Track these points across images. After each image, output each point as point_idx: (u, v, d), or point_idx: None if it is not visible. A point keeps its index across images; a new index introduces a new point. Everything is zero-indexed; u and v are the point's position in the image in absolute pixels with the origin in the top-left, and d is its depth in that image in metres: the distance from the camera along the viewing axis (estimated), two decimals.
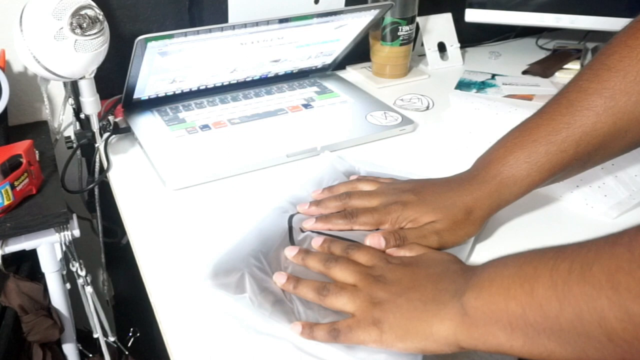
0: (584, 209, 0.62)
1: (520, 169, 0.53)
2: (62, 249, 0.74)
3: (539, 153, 0.53)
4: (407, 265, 0.48)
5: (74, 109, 0.87)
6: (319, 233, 0.55)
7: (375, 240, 0.52)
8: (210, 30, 0.70)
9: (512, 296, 0.37)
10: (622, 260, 0.32)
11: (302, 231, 0.56)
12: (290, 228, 0.57)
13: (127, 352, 0.96)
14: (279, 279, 0.49)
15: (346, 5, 0.98)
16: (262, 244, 0.54)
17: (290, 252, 0.52)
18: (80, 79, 0.68)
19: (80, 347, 0.88)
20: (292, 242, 0.55)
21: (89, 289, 0.81)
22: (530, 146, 0.53)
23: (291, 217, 0.58)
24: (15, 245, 0.71)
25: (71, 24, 0.61)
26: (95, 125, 0.73)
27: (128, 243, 0.63)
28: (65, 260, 0.78)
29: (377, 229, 0.55)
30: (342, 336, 0.44)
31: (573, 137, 0.52)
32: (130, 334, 0.98)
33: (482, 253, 0.56)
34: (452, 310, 0.41)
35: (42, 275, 0.77)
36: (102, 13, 0.64)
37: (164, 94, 0.83)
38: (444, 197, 0.55)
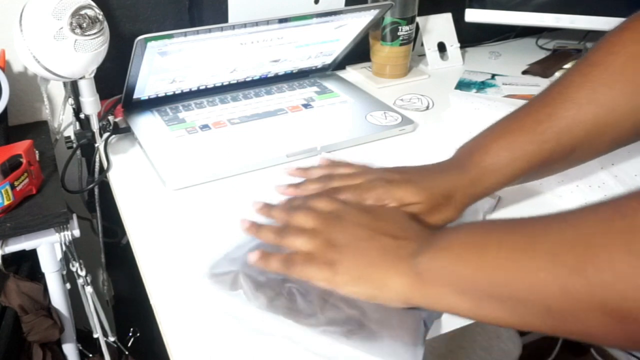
0: None
1: (500, 157, 0.53)
2: (62, 249, 0.74)
3: (520, 142, 0.53)
4: (369, 212, 0.48)
5: (73, 109, 0.87)
6: None
7: None
8: (210, 30, 0.70)
9: (464, 260, 0.39)
10: (564, 236, 0.34)
11: None
12: None
13: (127, 352, 0.96)
14: (244, 225, 0.51)
15: (346, 5, 0.98)
16: (258, 247, 0.54)
17: (255, 206, 0.53)
18: (80, 79, 0.68)
19: (80, 347, 0.88)
20: None
21: (89, 289, 0.81)
22: (512, 135, 0.54)
23: None
24: (15, 245, 0.71)
25: (71, 23, 0.61)
26: (95, 125, 0.73)
27: (128, 243, 0.63)
28: (65, 260, 0.78)
29: None
30: (296, 268, 0.45)
31: (554, 128, 0.52)
32: (130, 334, 0.98)
33: None
34: (407, 267, 0.42)
35: (42, 275, 0.77)
36: (102, 13, 0.64)
37: (164, 94, 0.83)
38: (428, 179, 0.54)
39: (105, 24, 0.65)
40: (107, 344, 0.89)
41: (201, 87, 0.86)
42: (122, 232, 0.80)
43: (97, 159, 0.77)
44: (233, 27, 0.72)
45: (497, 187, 0.55)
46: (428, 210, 0.52)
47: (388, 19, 0.92)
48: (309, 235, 0.46)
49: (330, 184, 0.55)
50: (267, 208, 0.52)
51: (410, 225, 0.47)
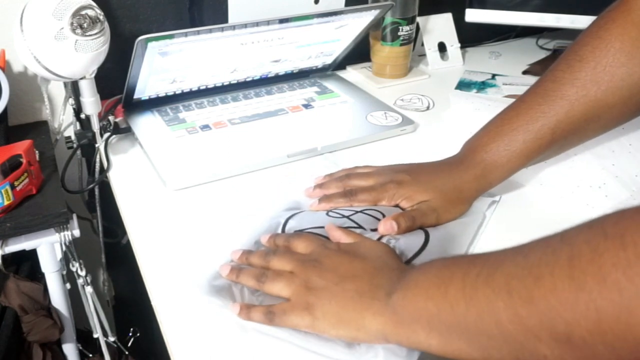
0: (585, 209, 0.62)
1: (500, 156, 0.59)
2: (62, 249, 0.74)
3: (517, 141, 0.58)
4: (345, 252, 0.49)
5: (74, 109, 0.87)
6: (321, 235, 0.55)
7: (387, 225, 0.54)
8: (210, 31, 0.70)
9: (429, 297, 0.40)
10: (518, 267, 0.35)
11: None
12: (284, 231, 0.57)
13: (127, 352, 0.96)
14: (224, 271, 0.51)
15: (346, 5, 0.98)
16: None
17: (234, 255, 0.53)
18: (81, 79, 0.68)
19: (80, 347, 0.88)
20: None
21: (89, 289, 0.81)
22: (509, 135, 0.59)
23: (285, 223, 0.58)
24: (15, 245, 0.71)
25: (72, 24, 0.61)
26: (95, 125, 0.73)
27: (128, 243, 0.63)
28: (65, 260, 0.77)
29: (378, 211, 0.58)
30: (277, 319, 0.45)
31: (549, 125, 0.57)
32: (130, 334, 0.98)
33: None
34: (383, 307, 0.43)
35: (42, 275, 0.77)
36: (102, 13, 0.64)
37: (164, 94, 0.83)
38: (436, 177, 0.59)
39: (106, 24, 0.65)
40: (107, 344, 0.89)
41: (201, 87, 0.86)
42: (122, 232, 0.80)
43: (98, 159, 0.77)
44: (233, 27, 0.72)
45: (499, 181, 0.60)
46: (440, 205, 0.57)
47: (388, 19, 0.92)
48: (287, 280, 0.47)
49: (349, 182, 0.62)
50: (245, 255, 0.53)
51: (386, 264, 0.47)
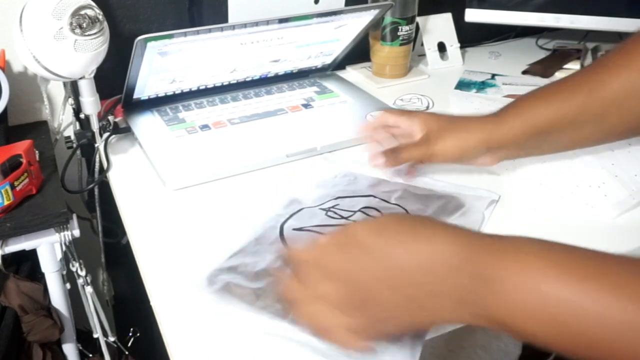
0: (584, 209, 0.62)
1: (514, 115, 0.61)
2: (62, 249, 0.74)
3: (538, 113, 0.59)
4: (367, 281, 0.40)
5: (73, 109, 0.87)
6: (318, 233, 0.55)
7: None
8: (210, 30, 0.70)
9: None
10: (624, 268, 0.33)
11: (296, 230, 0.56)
12: (282, 235, 0.57)
13: (127, 352, 0.96)
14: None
15: (346, 5, 0.98)
16: (255, 253, 0.54)
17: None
18: (80, 79, 0.68)
19: (80, 347, 0.88)
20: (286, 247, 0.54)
21: (89, 289, 0.81)
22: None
23: (282, 225, 0.58)
24: (15, 245, 0.71)
25: (71, 23, 0.61)
26: (95, 125, 0.73)
27: (128, 243, 0.63)
28: (65, 260, 0.77)
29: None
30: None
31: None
32: (130, 334, 0.98)
33: None
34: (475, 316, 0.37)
35: (42, 275, 0.77)
36: (101, 13, 0.64)
37: (163, 94, 0.83)
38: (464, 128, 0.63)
39: (105, 24, 0.65)
40: (107, 344, 0.89)
41: (201, 87, 0.86)
42: (122, 232, 0.80)
43: (97, 159, 0.77)
44: (233, 27, 0.72)
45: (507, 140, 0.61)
46: (434, 128, 0.61)
47: (388, 19, 0.92)
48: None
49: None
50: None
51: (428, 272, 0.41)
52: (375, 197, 0.62)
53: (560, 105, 0.58)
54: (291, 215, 0.59)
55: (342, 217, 0.58)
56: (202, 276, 0.51)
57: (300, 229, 0.56)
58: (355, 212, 0.58)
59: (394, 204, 0.60)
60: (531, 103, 0.60)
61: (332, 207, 0.60)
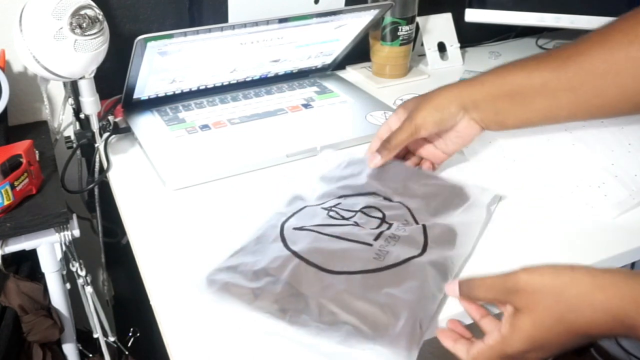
0: (584, 209, 0.62)
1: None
2: (62, 249, 0.74)
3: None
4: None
5: (73, 109, 0.87)
6: (318, 232, 0.55)
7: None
8: (210, 30, 0.70)
9: None
10: None
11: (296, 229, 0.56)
12: (282, 234, 0.56)
13: (127, 352, 0.96)
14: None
15: (346, 5, 0.98)
16: (255, 252, 0.54)
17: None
18: (80, 79, 0.68)
19: (80, 347, 0.88)
20: (288, 249, 0.54)
21: (89, 289, 0.81)
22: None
23: (283, 224, 0.58)
24: (15, 245, 0.71)
25: (71, 23, 0.61)
26: (95, 125, 0.73)
27: (128, 243, 0.63)
28: (65, 260, 0.77)
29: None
30: None
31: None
32: (130, 334, 0.98)
33: (481, 254, 0.56)
34: None
35: (42, 275, 0.77)
36: (101, 13, 0.64)
37: (163, 94, 0.83)
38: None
39: (105, 24, 0.65)
40: (107, 344, 0.89)
41: (201, 87, 0.86)
42: (122, 232, 0.80)
43: (97, 159, 0.77)
44: (233, 27, 0.72)
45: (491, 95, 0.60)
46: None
47: (388, 19, 0.92)
48: None
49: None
50: None
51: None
52: (377, 194, 0.62)
53: (534, 69, 0.58)
54: (293, 214, 0.59)
55: (343, 218, 0.58)
56: (201, 277, 0.51)
57: (300, 228, 0.56)
58: (356, 212, 0.58)
59: (397, 201, 0.60)
60: (507, 67, 0.60)
61: (334, 206, 0.60)
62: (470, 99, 0.60)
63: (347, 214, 0.58)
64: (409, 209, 0.59)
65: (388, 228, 0.56)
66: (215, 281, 0.50)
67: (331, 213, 0.58)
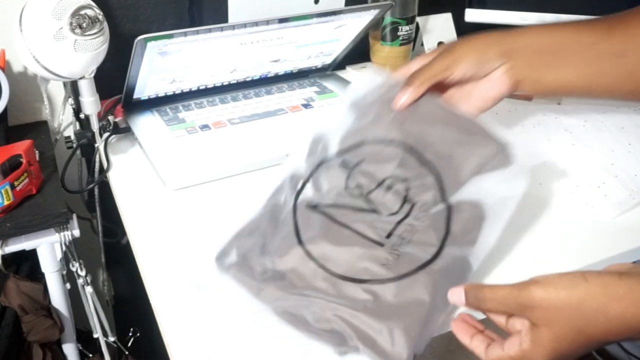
0: (584, 209, 0.62)
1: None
2: (62, 249, 0.74)
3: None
4: None
5: (73, 109, 0.87)
6: (331, 219, 0.53)
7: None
8: (210, 30, 0.70)
9: None
10: None
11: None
12: (295, 216, 0.54)
13: (127, 352, 0.96)
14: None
15: (346, 5, 0.98)
16: (263, 234, 0.54)
17: None
18: (80, 79, 0.68)
19: (80, 347, 0.88)
20: (298, 238, 0.52)
21: (89, 289, 0.81)
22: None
23: (298, 192, 0.56)
24: (15, 245, 0.71)
25: (71, 23, 0.61)
26: (95, 125, 0.73)
27: (128, 243, 0.63)
28: (65, 260, 0.78)
29: None
30: None
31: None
32: (130, 334, 0.98)
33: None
34: None
35: (42, 275, 0.77)
36: (101, 13, 0.64)
37: (163, 94, 0.83)
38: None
39: (105, 24, 0.65)
40: (107, 344, 0.89)
41: (201, 87, 0.86)
42: (122, 232, 0.80)
43: (97, 159, 0.77)
44: (233, 27, 0.72)
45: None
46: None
47: (388, 18, 0.92)
48: None
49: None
50: None
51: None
52: (404, 145, 0.55)
53: (584, 28, 0.56)
54: (309, 177, 0.56)
55: (361, 195, 0.54)
56: (214, 250, 0.51)
57: (315, 207, 0.53)
58: (378, 184, 0.54)
59: (429, 158, 0.54)
60: (552, 24, 0.58)
61: (356, 165, 0.55)
62: (512, 47, 0.57)
63: (367, 185, 0.54)
64: (437, 177, 0.54)
65: (407, 214, 0.52)
66: (224, 264, 0.51)
67: (350, 181, 0.54)
